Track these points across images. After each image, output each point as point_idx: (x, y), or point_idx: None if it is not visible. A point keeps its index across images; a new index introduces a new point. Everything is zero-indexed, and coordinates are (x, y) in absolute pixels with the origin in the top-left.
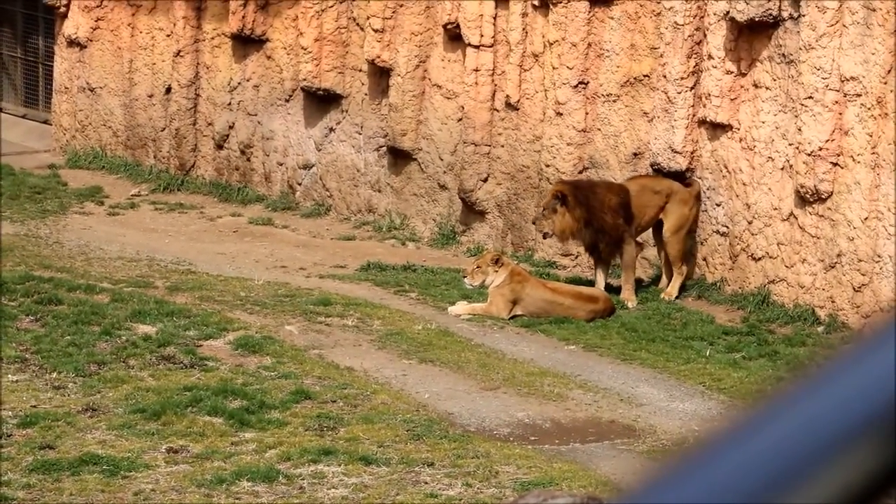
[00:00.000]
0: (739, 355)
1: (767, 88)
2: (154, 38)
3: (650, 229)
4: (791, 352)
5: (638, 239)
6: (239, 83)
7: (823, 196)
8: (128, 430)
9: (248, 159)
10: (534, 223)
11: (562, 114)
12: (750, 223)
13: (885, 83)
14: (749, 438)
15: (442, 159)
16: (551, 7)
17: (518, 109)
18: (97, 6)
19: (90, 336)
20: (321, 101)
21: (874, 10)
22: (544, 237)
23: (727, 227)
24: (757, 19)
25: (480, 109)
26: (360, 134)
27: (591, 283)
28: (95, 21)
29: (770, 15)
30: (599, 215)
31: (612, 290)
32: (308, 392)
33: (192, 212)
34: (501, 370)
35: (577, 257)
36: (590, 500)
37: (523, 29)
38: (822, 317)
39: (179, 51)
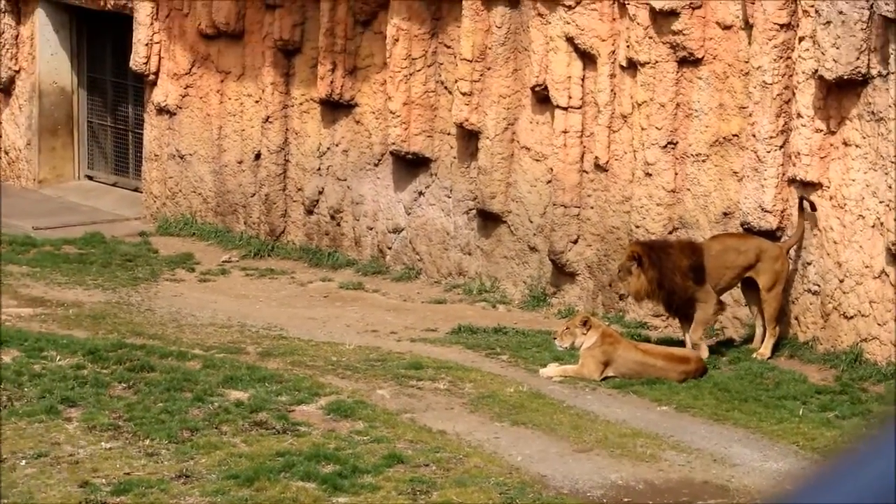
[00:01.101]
0: (833, 414)
1: (857, 146)
2: (243, 104)
3: (741, 288)
4: (885, 410)
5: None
6: (328, 148)
7: None
8: (221, 497)
9: (338, 224)
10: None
11: (651, 174)
12: (841, 281)
13: None
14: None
15: (531, 221)
16: (639, 68)
17: (607, 170)
18: (186, 74)
19: (182, 402)
20: (410, 165)
21: None
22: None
23: (818, 285)
24: (846, 77)
25: (569, 171)
26: (450, 197)
27: (683, 344)
28: (184, 88)
29: (859, 73)
30: (670, 276)
31: (711, 350)
32: (401, 456)
33: (283, 277)
34: (594, 432)
35: (668, 318)
36: None
37: (611, 90)
38: None
39: (268, 117)
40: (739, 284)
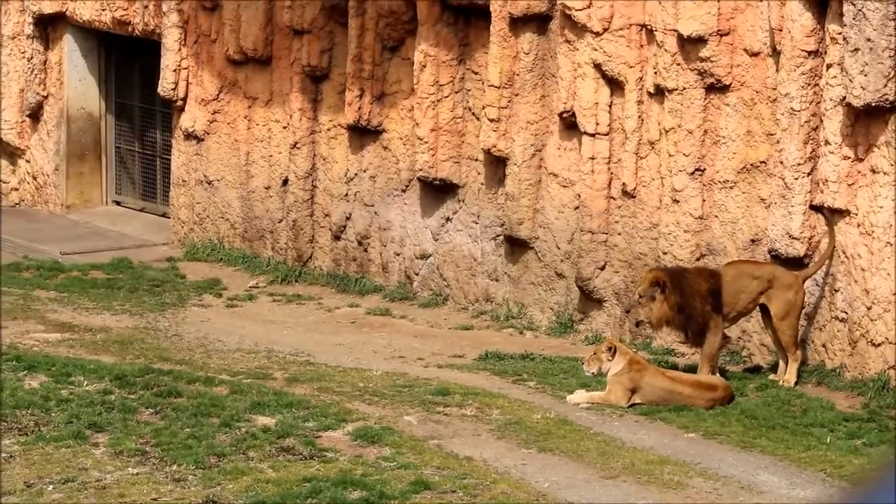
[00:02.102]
0: (860, 442)
1: (885, 173)
2: (270, 130)
3: (759, 315)
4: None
5: (727, 332)
6: (356, 174)
7: None
8: None
9: (366, 250)
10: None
11: (678, 201)
12: (869, 308)
13: None
14: None
15: (559, 248)
16: (667, 94)
17: (635, 197)
18: (214, 99)
19: (210, 428)
20: (437, 191)
21: None
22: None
23: (846, 312)
24: (873, 104)
25: (597, 197)
26: (477, 223)
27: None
28: (212, 114)
29: (886, 100)
30: (690, 301)
31: (737, 377)
32: (428, 482)
33: (310, 303)
34: (621, 459)
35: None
36: None
37: (639, 116)
38: None
39: (296, 142)
40: (760, 313)
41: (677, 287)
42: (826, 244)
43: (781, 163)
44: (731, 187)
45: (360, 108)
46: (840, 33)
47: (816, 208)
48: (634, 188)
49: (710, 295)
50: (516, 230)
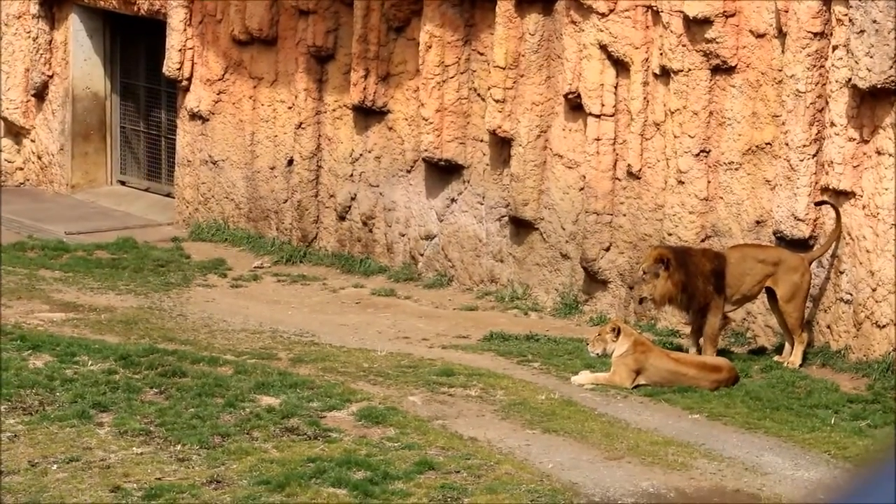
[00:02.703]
0: (865, 423)
1: (890, 155)
2: (276, 110)
3: (764, 297)
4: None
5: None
6: (361, 154)
7: None
8: (252, 502)
9: (371, 230)
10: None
11: (684, 182)
12: (874, 290)
13: None
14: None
15: (564, 229)
16: (672, 76)
17: (640, 178)
18: (219, 79)
19: (214, 408)
20: (443, 172)
21: None
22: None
23: (851, 294)
24: (879, 86)
25: (602, 178)
26: (482, 204)
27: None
28: (217, 94)
29: (892, 81)
30: (693, 280)
31: (742, 359)
32: (432, 463)
33: (315, 283)
34: (625, 440)
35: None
36: None
37: (644, 98)
38: None
39: (301, 123)
40: (766, 296)
41: (681, 265)
42: (832, 227)
43: (787, 144)
44: (737, 169)
45: (365, 89)
46: (846, 15)
47: (821, 202)
48: (639, 169)
49: (713, 276)
50: (521, 211)
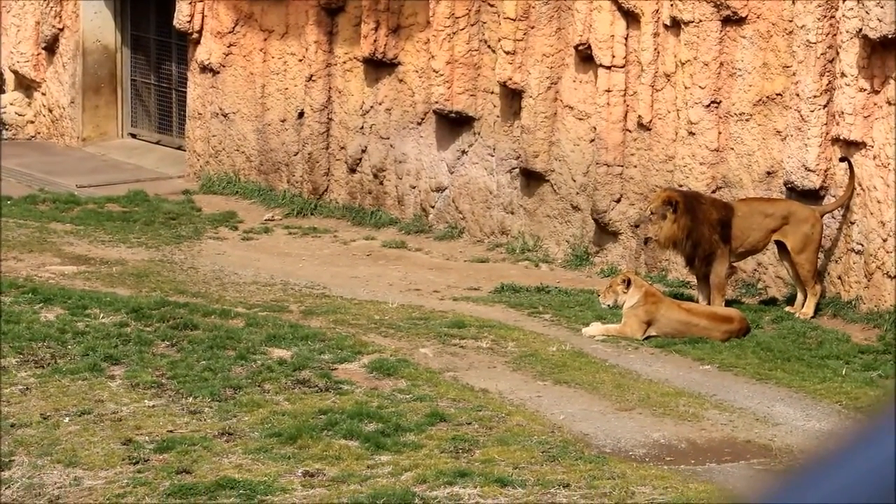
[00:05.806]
0: (876, 374)
1: None
2: (286, 63)
3: (776, 250)
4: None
5: (736, 263)
6: (371, 107)
7: None
8: (264, 454)
9: (381, 183)
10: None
11: (694, 133)
12: (885, 241)
13: None
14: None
15: (574, 180)
16: (683, 27)
17: (650, 129)
18: (229, 32)
19: (225, 361)
20: (453, 124)
21: None
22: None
23: (862, 245)
24: (890, 36)
25: (613, 130)
26: (493, 156)
27: (725, 303)
28: (228, 47)
29: None
30: (699, 227)
31: (753, 309)
32: (443, 414)
33: (326, 236)
34: (636, 391)
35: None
36: None
37: (655, 49)
38: None
39: (312, 75)
40: (776, 249)
41: (689, 210)
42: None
43: (797, 95)
44: (747, 120)
45: (375, 41)
46: None
47: (844, 159)
48: (650, 121)
49: (719, 225)
50: (532, 163)
